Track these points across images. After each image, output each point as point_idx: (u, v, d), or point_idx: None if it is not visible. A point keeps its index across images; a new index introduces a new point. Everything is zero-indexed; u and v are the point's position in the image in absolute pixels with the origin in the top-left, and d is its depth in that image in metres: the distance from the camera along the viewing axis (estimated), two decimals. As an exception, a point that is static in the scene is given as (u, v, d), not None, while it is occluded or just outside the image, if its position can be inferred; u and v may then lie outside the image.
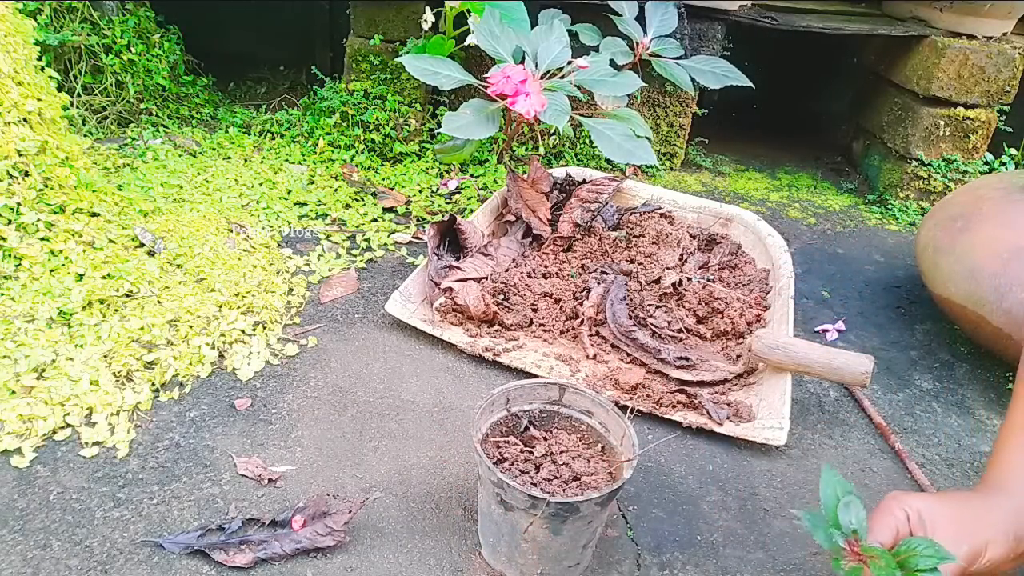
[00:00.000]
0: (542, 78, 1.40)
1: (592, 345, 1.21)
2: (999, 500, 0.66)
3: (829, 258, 1.66)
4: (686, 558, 0.87)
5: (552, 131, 1.87)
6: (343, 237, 1.48)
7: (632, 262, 1.37)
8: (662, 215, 1.49)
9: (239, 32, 2.28)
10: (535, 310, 1.27)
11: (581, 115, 1.47)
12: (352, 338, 1.19)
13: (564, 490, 0.80)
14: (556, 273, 1.36)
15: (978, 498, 0.66)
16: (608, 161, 1.87)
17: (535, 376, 1.12)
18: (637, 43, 1.63)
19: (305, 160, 1.75)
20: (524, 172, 1.64)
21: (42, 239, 1.13)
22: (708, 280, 1.31)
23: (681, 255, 1.38)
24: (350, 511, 0.83)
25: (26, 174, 1.14)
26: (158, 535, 0.81)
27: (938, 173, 1.85)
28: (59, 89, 1.34)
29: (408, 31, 1.76)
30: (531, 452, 0.85)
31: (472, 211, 1.56)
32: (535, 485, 0.80)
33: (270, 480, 0.90)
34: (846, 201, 1.96)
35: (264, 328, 1.17)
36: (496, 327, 1.23)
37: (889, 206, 1.91)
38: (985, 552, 0.61)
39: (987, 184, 1.36)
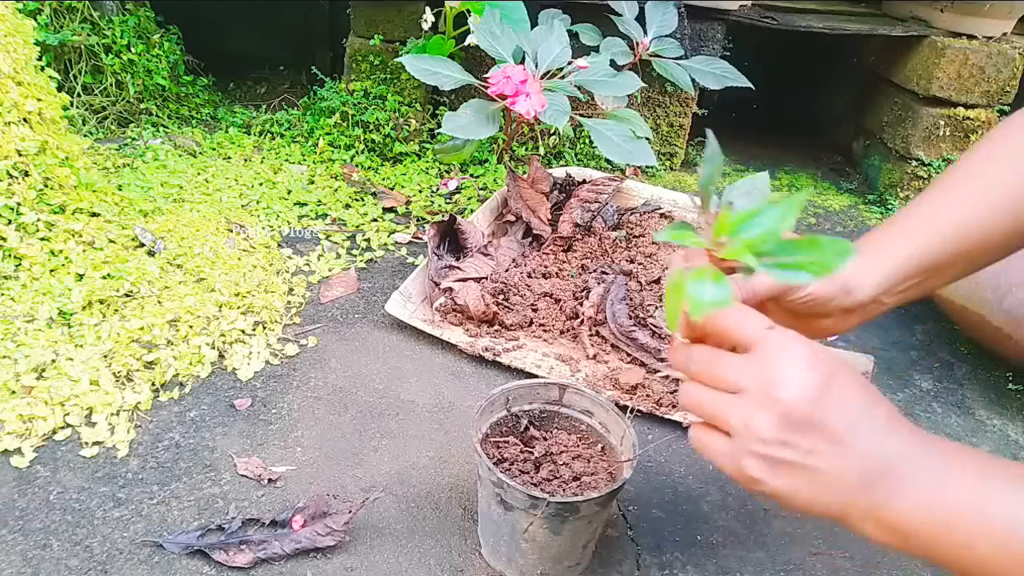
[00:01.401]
0: (542, 78, 1.40)
1: (592, 345, 1.21)
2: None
3: (829, 258, 1.65)
4: (686, 558, 0.87)
5: (552, 131, 1.86)
6: (343, 237, 1.48)
7: (632, 262, 1.37)
8: (662, 215, 1.49)
9: (239, 32, 2.27)
10: (535, 310, 1.27)
11: (581, 115, 1.47)
12: (352, 338, 1.19)
13: (564, 490, 0.80)
14: (556, 273, 1.36)
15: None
16: (608, 161, 1.87)
17: (535, 376, 1.12)
18: (637, 43, 1.63)
19: (305, 160, 1.75)
20: (524, 172, 1.64)
21: (42, 239, 1.13)
22: (708, 280, 1.31)
23: (681, 255, 1.38)
24: (350, 511, 0.83)
25: (26, 174, 1.14)
26: (158, 535, 0.82)
27: (938, 173, 1.85)
28: (59, 89, 1.34)
29: (408, 31, 1.76)
30: (531, 452, 0.85)
31: (472, 211, 1.55)
32: (535, 485, 0.80)
33: (270, 480, 0.90)
34: (846, 201, 1.96)
35: (264, 328, 1.17)
36: (496, 327, 1.23)
37: (889, 206, 1.91)
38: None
39: (987, 184, 1.36)
